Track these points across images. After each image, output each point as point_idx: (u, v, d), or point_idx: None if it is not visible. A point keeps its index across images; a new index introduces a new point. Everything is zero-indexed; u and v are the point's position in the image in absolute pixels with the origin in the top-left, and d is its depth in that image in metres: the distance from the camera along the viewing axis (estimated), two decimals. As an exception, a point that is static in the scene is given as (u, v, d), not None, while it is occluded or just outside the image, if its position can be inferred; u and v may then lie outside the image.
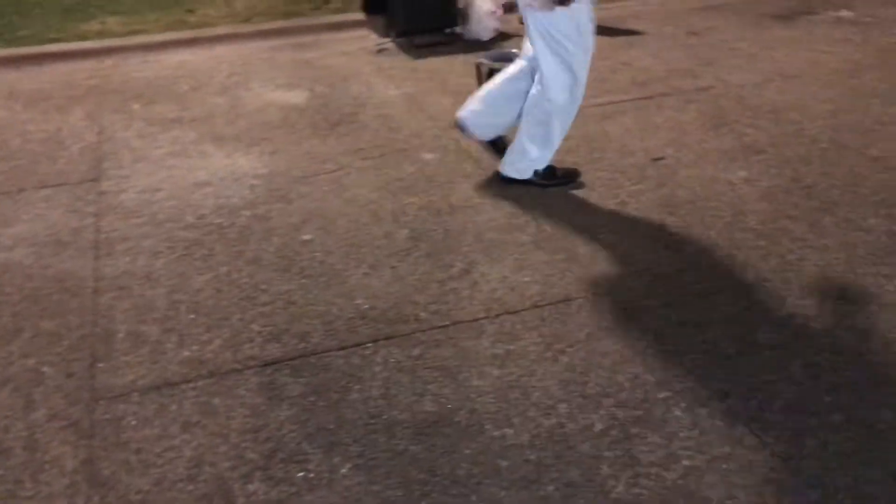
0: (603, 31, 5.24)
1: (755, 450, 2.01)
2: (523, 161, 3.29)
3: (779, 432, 2.06)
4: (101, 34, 5.31)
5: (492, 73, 4.12)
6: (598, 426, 2.10)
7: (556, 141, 3.26)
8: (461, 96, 4.26)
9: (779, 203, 3.15)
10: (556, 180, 3.33)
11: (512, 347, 2.41)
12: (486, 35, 5.14)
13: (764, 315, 2.51)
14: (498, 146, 3.51)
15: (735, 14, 5.56)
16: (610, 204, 3.20)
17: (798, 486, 1.90)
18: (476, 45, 4.94)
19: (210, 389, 2.28)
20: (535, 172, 3.30)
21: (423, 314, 2.58)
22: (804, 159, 3.48)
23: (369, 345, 2.44)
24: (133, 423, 2.17)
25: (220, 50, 5.13)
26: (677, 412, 2.14)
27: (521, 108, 3.27)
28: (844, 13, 5.52)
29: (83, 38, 5.25)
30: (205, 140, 3.86)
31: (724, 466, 1.96)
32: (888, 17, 5.40)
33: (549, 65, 3.10)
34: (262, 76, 4.66)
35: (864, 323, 2.46)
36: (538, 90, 3.17)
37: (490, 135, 3.48)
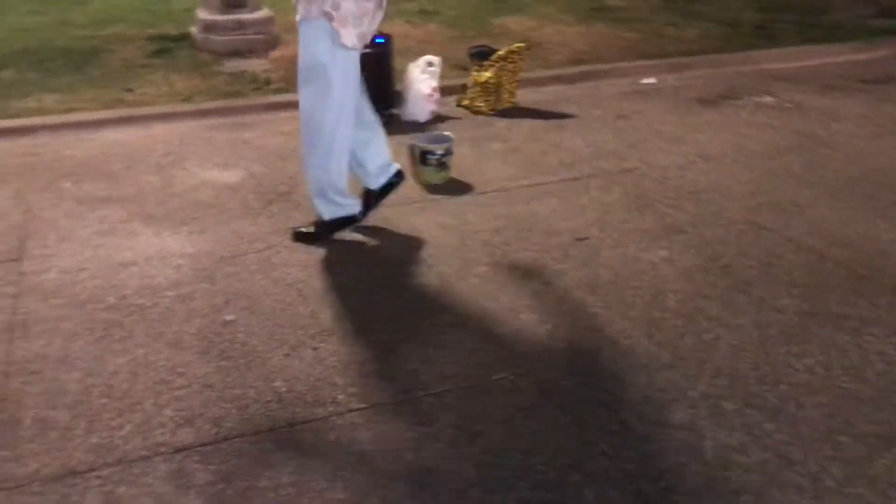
0: (535, 114, 5.43)
1: (664, 533, 2.02)
2: None
3: (688, 514, 2.08)
4: (36, 112, 5.29)
5: (424, 154, 4.24)
6: (510, 511, 2.09)
7: None
8: (393, 176, 4.36)
9: (696, 283, 3.24)
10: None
11: (428, 430, 2.40)
12: (422, 117, 5.26)
13: (678, 395, 2.55)
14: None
15: (662, 98, 5.80)
16: (534, 283, 3.25)
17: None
18: (412, 127, 5.04)
19: (116, 478, 2.22)
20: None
21: (341, 396, 2.56)
22: (722, 240, 3.60)
23: (284, 429, 2.40)
24: (31, 515, 2.10)
25: (157, 129, 5.15)
26: (589, 496, 2.14)
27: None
28: (767, 99, 5.79)
29: (18, 115, 5.22)
30: (134, 219, 3.84)
31: (633, 551, 1.96)
32: (807, 103, 5.68)
33: None
34: (198, 155, 4.68)
35: (774, 402, 2.51)
36: None
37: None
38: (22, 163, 4.56)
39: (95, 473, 2.23)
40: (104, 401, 2.54)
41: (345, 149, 3.45)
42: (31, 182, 4.29)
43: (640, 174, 4.38)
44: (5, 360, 2.74)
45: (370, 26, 3.30)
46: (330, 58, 3.25)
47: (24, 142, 4.90)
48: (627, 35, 7.43)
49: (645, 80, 6.27)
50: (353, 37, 3.22)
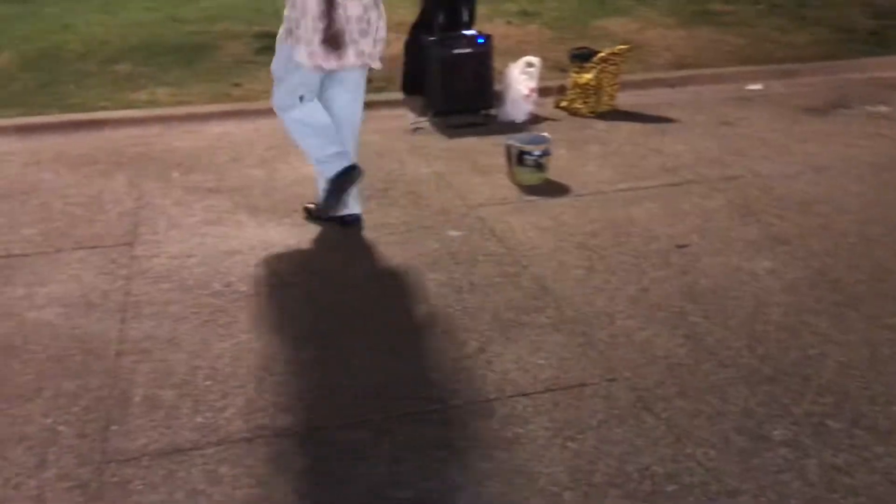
0: (635, 117, 5.34)
1: (764, 551, 1.95)
2: None
3: (790, 534, 2.01)
4: (149, 104, 5.54)
5: (521, 154, 4.23)
6: (604, 517, 2.06)
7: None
8: (490, 176, 4.37)
9: (802, 296, 3.12)
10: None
11: (521, 431, 2.39)
12: (520, 117, 5.25)
13: (781, 410, 2.47)
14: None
15: (769, 105, 5.61)
16: (631, 289, 3.20)
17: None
18: (509, 127, 5.02)
19: (219, 457, 2.30)
20: None
21: (434, 392, 2.58)
22: (831, 252, 3.46)
23: (378, 422, 2.44)
24: (140, 487, 2.19)
25: (262, 123, 5.28)
26: (685, 507, 2.09)
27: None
28: (881, 108, 5.53)
29: (132, 106, 5.48)
30: (239, 210, 3.97)
31: (731, 567, 1.91)
32: (924, 113, 5.40)
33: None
34: (300, 151, 4.78)
35: (885, 424, 2.40)
36: None
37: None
38: (135, 152, 4.78)
39: (199, 452, 2.32)
40: (209, 383, 2.63)
41: (304, 126, 3.62)
42: (143, 171, 4.49)
43: (744, 182, 4.25)
44: (118, 339, 2.88)
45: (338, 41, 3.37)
46: (283, 72, 3.51)
47: (138, 132, 5.13)
48: (733, 40, 7.22)
49: (751, 87, 6.07)
50: (304, 55, 3.37)
